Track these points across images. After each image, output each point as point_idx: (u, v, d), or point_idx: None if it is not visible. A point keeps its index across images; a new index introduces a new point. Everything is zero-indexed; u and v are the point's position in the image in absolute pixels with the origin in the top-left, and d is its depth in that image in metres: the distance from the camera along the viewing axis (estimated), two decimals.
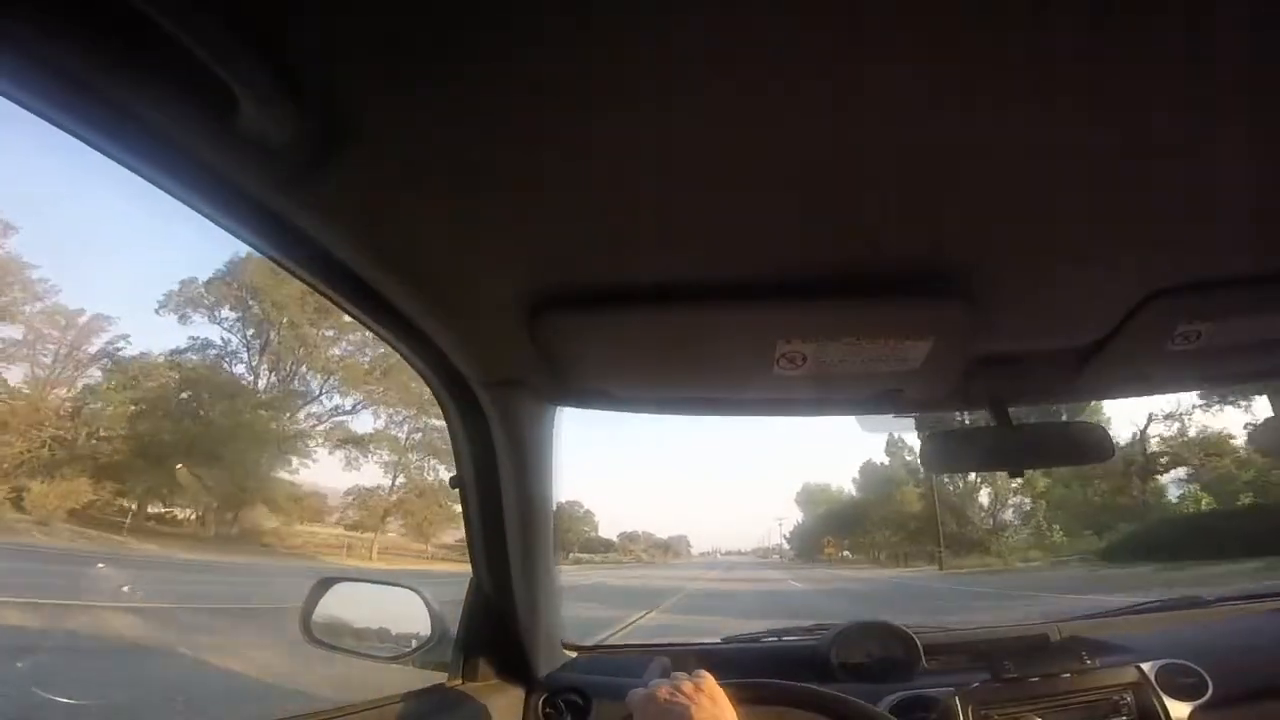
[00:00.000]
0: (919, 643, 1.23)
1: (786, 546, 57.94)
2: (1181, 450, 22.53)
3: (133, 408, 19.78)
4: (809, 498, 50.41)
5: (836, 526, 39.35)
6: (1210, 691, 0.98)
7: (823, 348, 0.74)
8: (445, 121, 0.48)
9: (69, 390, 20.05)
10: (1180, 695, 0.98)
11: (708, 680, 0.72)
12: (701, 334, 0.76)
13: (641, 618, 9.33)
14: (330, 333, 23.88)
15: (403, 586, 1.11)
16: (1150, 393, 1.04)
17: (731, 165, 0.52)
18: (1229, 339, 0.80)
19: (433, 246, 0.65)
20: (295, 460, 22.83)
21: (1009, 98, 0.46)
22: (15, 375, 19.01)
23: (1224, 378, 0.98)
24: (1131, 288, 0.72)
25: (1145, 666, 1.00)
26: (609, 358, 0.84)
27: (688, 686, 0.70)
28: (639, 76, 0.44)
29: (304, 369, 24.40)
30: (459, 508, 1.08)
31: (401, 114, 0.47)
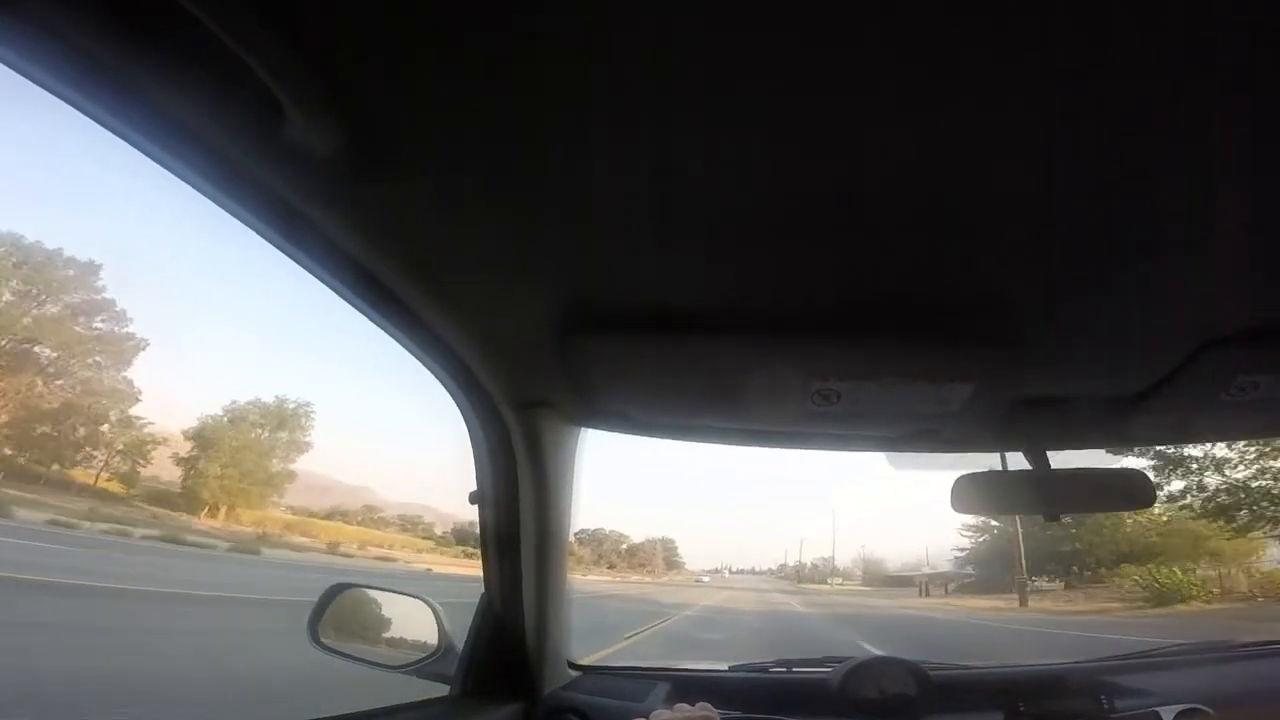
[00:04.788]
0: (932, 680, 1.19)
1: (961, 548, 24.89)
2: None
3: None
4: None
5: None
6: None
7: (859, 387, 0.72)
8: (488, 142, 0.48)
9: None
10: None
11: (709, 713, 0.73)
12: (736, 366, 0.74)
13: None
14: None
15: (415, 597, 1.10)
16: (1196, 441, 1.01)
17: (774, 197, 0.51)
18: None
19: (468, 265, 0.64)
20: None
21: (1063, 140, 0.44)
22: None
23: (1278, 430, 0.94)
24: (1188, 335, 0.69)
25: (1162, 711, 0.96)
26: (639, 383, 0.82)
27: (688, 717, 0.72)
28: (677, 105, 0.43)
29: None
30: None
31: (443, 133, 0.47)
